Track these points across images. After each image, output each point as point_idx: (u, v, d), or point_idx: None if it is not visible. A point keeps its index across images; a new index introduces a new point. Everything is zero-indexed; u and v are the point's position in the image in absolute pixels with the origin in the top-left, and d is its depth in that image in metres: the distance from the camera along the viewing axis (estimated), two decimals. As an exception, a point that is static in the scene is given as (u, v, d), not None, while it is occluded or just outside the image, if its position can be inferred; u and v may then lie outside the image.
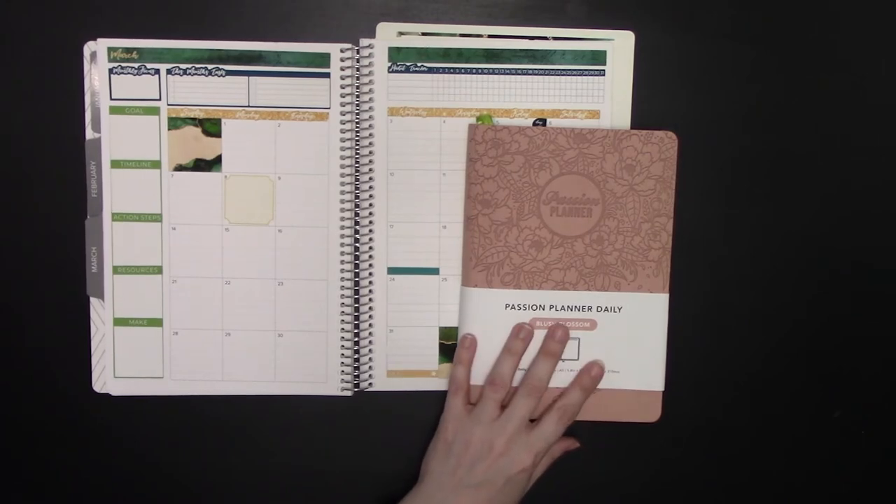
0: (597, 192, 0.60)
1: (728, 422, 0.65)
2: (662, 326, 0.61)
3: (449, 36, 0.62)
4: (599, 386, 0.61)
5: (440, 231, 0.63)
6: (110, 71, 0.61)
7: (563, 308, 0.61)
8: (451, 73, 0.62)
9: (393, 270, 0.63)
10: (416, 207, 0.62)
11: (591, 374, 0.61)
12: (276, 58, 0.61)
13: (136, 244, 0.62)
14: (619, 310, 0.61)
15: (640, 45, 0.62)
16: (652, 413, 0.62)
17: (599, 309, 0.61)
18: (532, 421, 0.59)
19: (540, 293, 0.61)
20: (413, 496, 0.59)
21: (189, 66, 0.61)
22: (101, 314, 0.63)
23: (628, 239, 0.60)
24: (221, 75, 0.61)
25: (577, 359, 0.61)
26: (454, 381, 0.61)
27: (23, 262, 0.63)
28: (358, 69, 0.62)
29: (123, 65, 0.61)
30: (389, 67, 0.62)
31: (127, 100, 0.62)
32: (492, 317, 0.61)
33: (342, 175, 0.62)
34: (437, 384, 0.63)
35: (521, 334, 0.60)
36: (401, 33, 0.62)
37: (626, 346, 0.61)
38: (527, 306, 0.61)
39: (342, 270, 0.63)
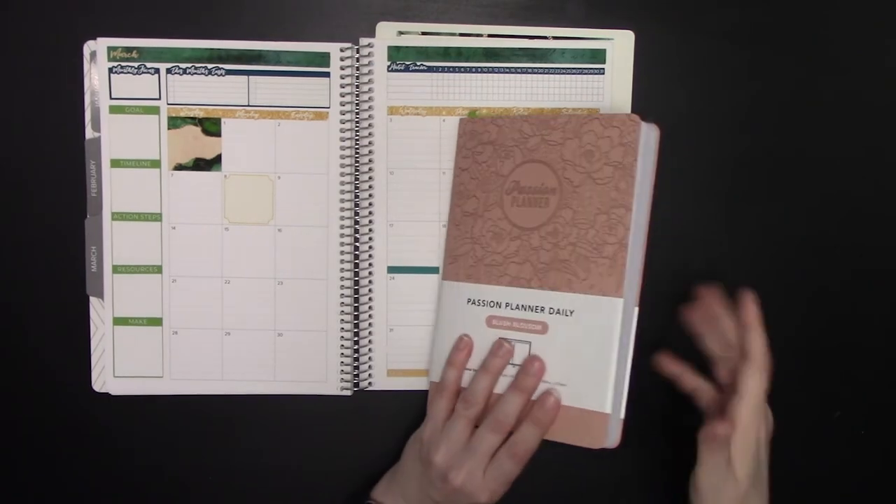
0: (554, 181, 0.55)
1: (728, 422, 0.65)
2: (613, 337, 0.52)
3: (449, 35, 0.62)
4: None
5: (440, 230, 0.63)
6: (110, 70, 0.61)
7: (517, 307, 0.56)
8: (451, 72, 0.62)
9: (393, 270, 0.63)
10: (416, 206, 0.62)
11: (546, 407, 0.53)
12: (276, 57, 0.61)
13: (135, 243, 0.62)
14: (571, 313, 0.54)
15: (639, 45, 0.62)
16: (596, 438, 0.52)
17: (551, 311, 0.55)
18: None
19: (496, 289, 0.57)
20: (391, 478, 0.60)
21: (189, 65, 0.61)
22: (100, 313, 0.63)
23: (582, 232, 0.54)
24: (221, 75, 0.61)
25: None
26: (442, 382, 0.58)
27: (23, 262, 0.63)
28: (358, 68, 0.62)
29: (123, 64, 0.61)
30: (389, 67, 0.62)
31: (127, 99, 0.62)
32: (457, 312, 0.59)
33: (342, 174, 0.62)
34: (436, 384, 0.63)
35: (500, 352, 0.56)
36: (400, 33, 0.62)
37: (576, 356, 0.53)
38: (484, 302, 0.58)
39: (342, 270, 0.63)
